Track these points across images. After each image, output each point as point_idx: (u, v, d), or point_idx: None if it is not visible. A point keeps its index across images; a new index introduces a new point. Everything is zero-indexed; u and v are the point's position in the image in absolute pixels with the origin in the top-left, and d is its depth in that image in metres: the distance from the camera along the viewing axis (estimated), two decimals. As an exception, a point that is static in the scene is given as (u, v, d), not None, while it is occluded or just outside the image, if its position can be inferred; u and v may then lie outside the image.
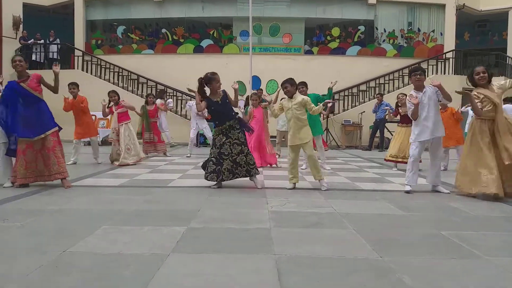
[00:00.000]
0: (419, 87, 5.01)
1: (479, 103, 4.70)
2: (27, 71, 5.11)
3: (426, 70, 14.65)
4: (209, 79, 5.14)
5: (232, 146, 5.11)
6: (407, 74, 14.55)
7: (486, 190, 4.55)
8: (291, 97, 5.18)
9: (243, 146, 5.16)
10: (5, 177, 5.07)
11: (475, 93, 4.77)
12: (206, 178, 5.18)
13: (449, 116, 7.30)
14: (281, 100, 5.49)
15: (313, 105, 5.18)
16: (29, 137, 4.87)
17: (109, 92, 8.05)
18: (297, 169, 5.27)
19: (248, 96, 8.41)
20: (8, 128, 4.97)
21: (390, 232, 3.24)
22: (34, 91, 4.94)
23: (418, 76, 4.98)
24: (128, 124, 7.82)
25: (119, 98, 7.93)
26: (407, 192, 4.99)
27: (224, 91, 5.29)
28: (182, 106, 14.09)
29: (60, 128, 5.22)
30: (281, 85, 5.23)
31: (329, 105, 5.35)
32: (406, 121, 7.28)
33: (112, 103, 7.81)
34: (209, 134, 9.88)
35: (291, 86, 5.14)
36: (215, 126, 5.29)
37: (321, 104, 5.37)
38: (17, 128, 4.89)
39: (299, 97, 5.16)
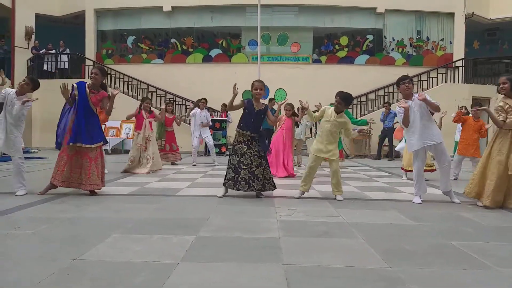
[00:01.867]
0: (408, 96, 5.02)
1: (502, 114, 4.70)
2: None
3: (436, 79, 14.71)
4: (252, 84, 5.23)
5: (253, 157, 5.09)
6: (416, 82, 14.68)
7: (482, 201, 4.77)
8: (338, 112, 5.15)
9: (262, 159, 5.15)
10: (17, 186, 5.12)
11: (500, 104, 4.77)
12: (224, 184, 5.23)
13: (477, 128, 7.26)
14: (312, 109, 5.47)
15: (351, 130, 5.21)
16: (80, 143, 5.02)
17: (145, 98, 8.43)
18: (312, 178, 5.25)
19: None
20: (64, 126, 5.19)
21: (400, 242, 3.22)
22: (92, 104, 5.14)
23: (407, 84, 5.01)
24: (153, 133, 8.14)
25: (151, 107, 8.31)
26: (418, 203, 4.93)
27: (266, 107, 5.28)
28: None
29: (106, 142, 5.42)
30: (339, 100, 5.10)
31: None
32: None
33: (141, 109, 8.04)
34: (210, 142, 9.95)
35: (346, 106, 5.19)
36: (237, 128, 5.24)
37: (356, 131, 5.35)
38: (73, 133, 5.02)
39: (344, 117, 5.15)
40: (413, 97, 4.98)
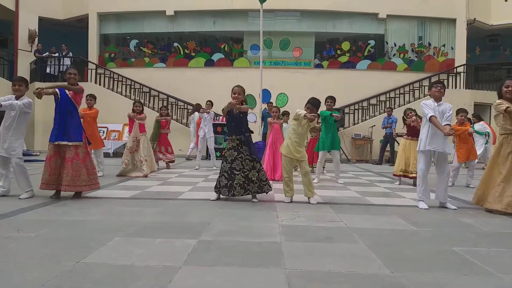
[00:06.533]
0: (437, 98, 5.05)
1: (504, 104, 4.69)
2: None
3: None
4: (232, 89, 5.29)
5: (244, 161, 5.14)
6: (418, 88, 14.71)
7: (490, 205, 4.74)
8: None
9: (255, 162, 5.18)
10: (22, 189, 5.15)
11: (499, 101, 4.77)
12: (216, 191, 5.26)
13: (466, 132, 7.28)
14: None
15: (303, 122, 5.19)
16: (53, 141, 5.04)
17: (135, 101, 8.34)
18: (292, 181, 5.28)
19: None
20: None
21: (402, 248, 3.22)
22: (75, 101, 5.17)
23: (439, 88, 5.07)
24: (146, 136, 8.00)
25: (143, 109, 8.18)
26: (425, 209, 4.93)
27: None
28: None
29: (89, 143, 5.43)
30: (311, 106, 5.21)
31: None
32: (412, 134, 7.25)
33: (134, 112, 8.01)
34: (211, 146, 9.92)
35: (316, 111, 5.26)
36: (226, 135, 5.35)
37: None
38: (53, 131, 5.09)
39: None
40: (440, 102, 5.01)
